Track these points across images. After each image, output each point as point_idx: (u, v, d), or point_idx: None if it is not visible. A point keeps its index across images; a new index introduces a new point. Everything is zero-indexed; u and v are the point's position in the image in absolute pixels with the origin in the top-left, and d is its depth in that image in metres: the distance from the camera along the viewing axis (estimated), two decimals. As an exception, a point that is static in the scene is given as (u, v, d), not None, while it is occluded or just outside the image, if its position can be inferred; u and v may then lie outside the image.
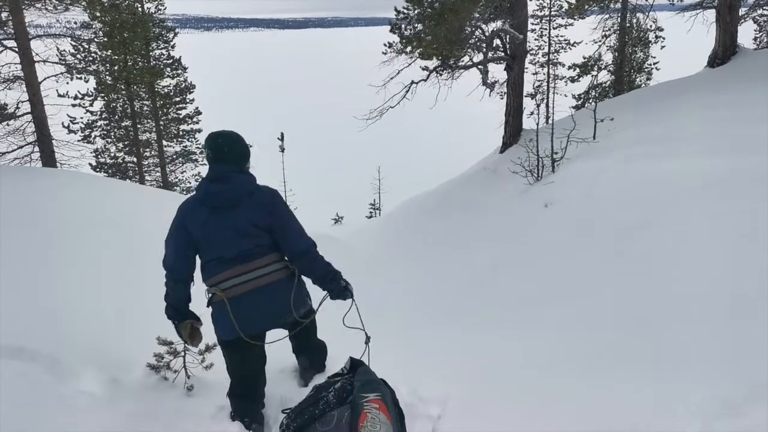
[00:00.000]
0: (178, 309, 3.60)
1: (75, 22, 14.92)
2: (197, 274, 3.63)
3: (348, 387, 3.41)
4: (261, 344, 3.71)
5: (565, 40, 24.59)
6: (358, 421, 3.06)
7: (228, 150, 3.55)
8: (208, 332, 3.96)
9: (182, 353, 3.97)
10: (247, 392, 3.75)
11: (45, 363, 3.66)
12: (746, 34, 18.19)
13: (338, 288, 3.77)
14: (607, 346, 3.64)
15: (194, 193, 3.71)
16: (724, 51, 11.79)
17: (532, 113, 20.26)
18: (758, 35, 21.13)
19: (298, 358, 4.19)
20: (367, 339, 3.97)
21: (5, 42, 11.32)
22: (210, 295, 3.59)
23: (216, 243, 3.48)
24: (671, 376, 3.01)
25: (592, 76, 20.94)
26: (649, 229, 4.64)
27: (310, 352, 4.14)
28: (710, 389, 2.76)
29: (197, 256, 3.60)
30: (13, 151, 12.20)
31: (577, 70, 21.73)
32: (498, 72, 13.88)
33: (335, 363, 4.05)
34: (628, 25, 19.78)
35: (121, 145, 21.57)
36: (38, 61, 11.77)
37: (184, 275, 3.56)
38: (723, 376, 2.81)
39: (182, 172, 23.55)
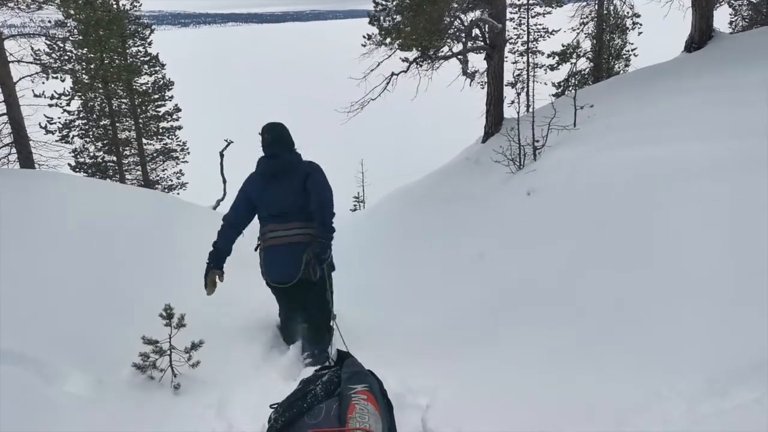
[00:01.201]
0: (218, 255, 4.70)
1: (49, 21, 14.67)
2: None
3: (335, 379, 3.42)
4: (288, 289, 4.63)
5: (543, 28, 24.61)
6: (347, 413, 3.05)
7: (279, 136, 4.76)
8: (194, 333, 3.95)
9: (168, 352, 3.95)
10: (285, 322, 4.98)
11: (31, 365, 3.61)
12: (722, 18, 18.35)
13: (322, 251, 4.47)
14: (591, 333, 3.67)
15: (255, 168, 4.82)
16: (701, 35, 11.88)
17: (512, 102, 20.23)
18: (733, 19, 21.33)
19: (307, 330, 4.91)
20: (333, 316, 4.62)
21: (-23, 43, 11.12)
22: (258, 243, 4.77)
23: (267, 203, 4.63)
24: (656, 359, 3.04)
25: (571, 63, 21.02)
26: (630, 215, 4.67)
27: (311, 324, 4.80)
28: (696, 371, 2.79)
29: (256, 216, 4.78)
30: (-11, 153, 12.02)
31: (556, 58, 21.80)
32: (478, 62, 13.88)
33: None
34: (605, 12, 19.90)
35: (100, 144, 21.30)
36: (12, 61, 11.55)
37: (236, 222, 4.75)
38: (708, 358, 2.84)
39: (163, 170, 23.31)
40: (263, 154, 4.76)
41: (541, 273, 4.94)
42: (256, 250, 4.83)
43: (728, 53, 10.46)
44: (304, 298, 4.75)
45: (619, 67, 21.67)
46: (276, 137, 4.76)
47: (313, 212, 4.53)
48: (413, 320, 5.37)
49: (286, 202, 4.56)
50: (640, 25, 20.94)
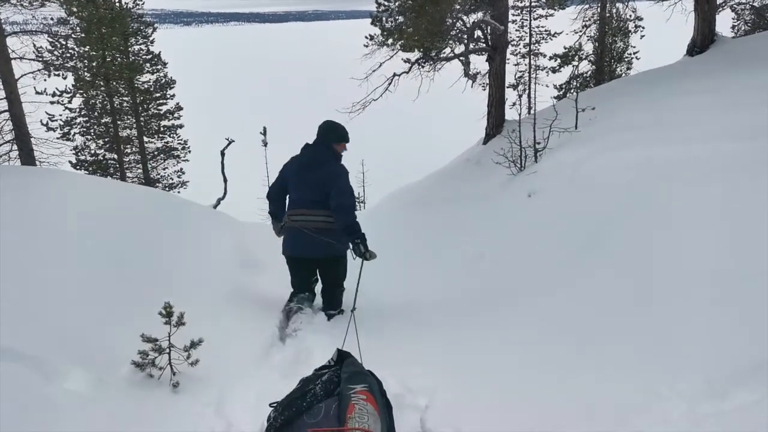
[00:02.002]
0: (274, 216, 5.70)
1: (52, 18, 14.66)
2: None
3: (335, 379, 3.43)
4: (302, 262, 5.44)
5: (545, 30, 24.61)
6: (346, 413, 3.06)
7: (324, 131, 5.48)
8: (193, 332, 3.95)
9: (167, 350, 3.94)
10: (293, 294, 5.55)
11: (31, 363, 3.61)
12: (724, 22, 18.35)
13: (355, 246, 5.05)
14: (592, 333, 3.67)
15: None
16: (703, 39, 11.88)
17: (514, 104, 20.28)
18: (736, 23, 21.31)
19: (322, 295, 5.68)
20: (353, 309, 4.77)
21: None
22: (284, 222, 5.43)
23: (295, 187, 5.35)
24: (656, 359, 3.04)
25: (573, 66, 21.03)
26: (631, 216, 4.67)
27: (325, 292, 5.58)
28: (696, 372, 2.79)
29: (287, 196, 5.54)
30: (-10, 150, 12.03)
31: (558, 60, 21.82)
32: (480, 63, 13.88)
33: (326, 352, 4.06)
34: (608, 15, 19.90)
35: (101, 142, 21.31)
36: (15, 58, 11.54)
37: (274, 198, 5.64)
38: (708, 359, 2.84)
39: (164, 169, 23.30)
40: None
41: (541, 274, 4.94)
42: (282, 226, 5.54)
43: (730, 57, 10.46)
44: (319, 271, 5.55)
45: (621, 70, 21.68)
46: (324, 131, 5.47)
47: (332, 213, 5.15)
48: (413, 320, 5.37)
49: (310, 193, 5.22)
50: (643, 28, 20.96)
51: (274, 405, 3.38)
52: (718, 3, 13.45)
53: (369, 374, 3.55)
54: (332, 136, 5.48)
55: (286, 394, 3.38)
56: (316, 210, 5.20)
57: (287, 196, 5.57)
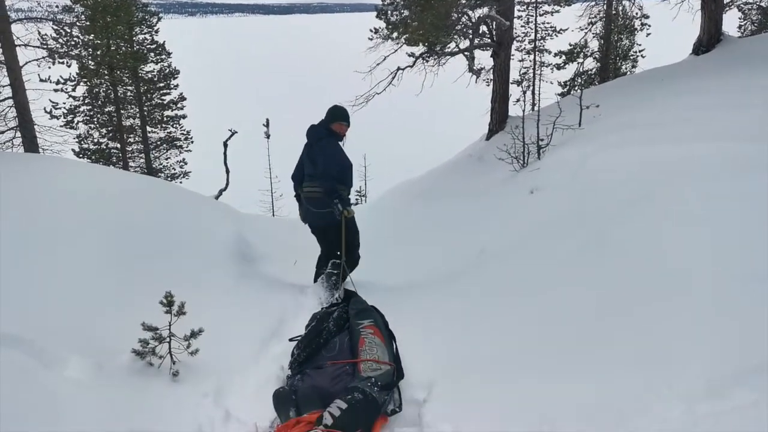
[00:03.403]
0: (298, 199, 6.15)
1: (57, 6, 14.62)
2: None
3: (344, 315, 4.26)
4: (313, 231, 6.12)
5: (551, 27, 24.57)
6: (358, 346, 3.77)
7: (327, 113, 6.03)
8: (193, 321, 3.96)
9: (167, 339, 3.95)
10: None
11: (31, 349, 3.62)
12: (731, 22, 18.29)
13: (334, 206, 5.60)
14: (592, 331, 3.66)
15: None
16: (709, 38, 11.86)
17: (518, 100, 20.20)
18: (743, 23, 21.26)
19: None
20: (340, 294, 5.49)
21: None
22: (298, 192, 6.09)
23: (305, 163, 5.97)
24: (656, 359, 3.04)
25: (578, 63, 20.99)
26: (633, 214, 4.66)
27: (324, 253, 6.08)
28: (695, 372, 2.79)
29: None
30: (-6, 136, 12.03)
31: (563, 57, 21.79)
32: (484, 59, 13.87)
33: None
34: (614, 12, 19.86)
35: (104, 130, 21.32)
36: (19, 45, 11.51)
37: (296, 177, 6.11)
38: (708, 359, 2.84)
39: (166, 159, 23.31)
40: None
41: (542, 271, 4.93)
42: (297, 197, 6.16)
43: (736, 57, 10.43)
44: (322, 238, 6.10)
45: (626, 68, 21.64)
46: (327, 114, 6.02)
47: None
48: (411, 315, 5.37)
49: (309, 167, 5.84)
50: (649, 26, 20.90)
51: (296, 340, 4.15)
52: (725, 2, 13.40)
53: (373, 310, 4.40)
54: (329, 116, 6.02)
55: (305, 332, 4.14)
56: (314, 182, 5.79)
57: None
